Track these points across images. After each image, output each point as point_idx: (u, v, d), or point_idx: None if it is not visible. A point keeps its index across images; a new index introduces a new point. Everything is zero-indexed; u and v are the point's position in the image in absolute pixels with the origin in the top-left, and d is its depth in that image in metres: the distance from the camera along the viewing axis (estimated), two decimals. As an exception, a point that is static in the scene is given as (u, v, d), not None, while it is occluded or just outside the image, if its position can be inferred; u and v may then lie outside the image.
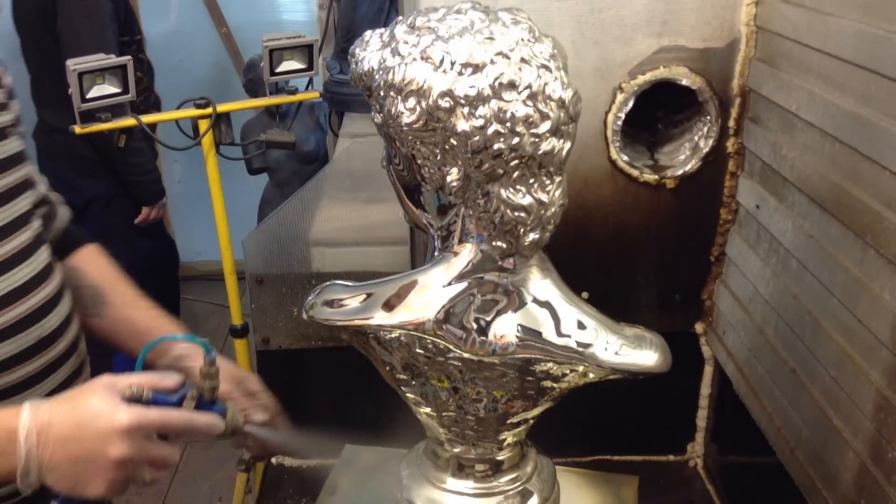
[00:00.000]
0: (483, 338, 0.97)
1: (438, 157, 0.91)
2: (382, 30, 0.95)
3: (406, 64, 0.88)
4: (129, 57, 1.93)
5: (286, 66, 2.08)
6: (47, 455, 0.83)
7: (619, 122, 1.43)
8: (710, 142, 1.45)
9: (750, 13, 1.37)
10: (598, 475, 1.37)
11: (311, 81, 2.27)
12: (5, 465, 0.83)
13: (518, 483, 1.13)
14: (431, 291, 0.99)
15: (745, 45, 1.39)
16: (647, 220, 1.50)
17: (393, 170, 1.00)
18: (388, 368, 1.06)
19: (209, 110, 2.05)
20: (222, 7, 4.05)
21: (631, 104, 1.41)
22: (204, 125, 2.06)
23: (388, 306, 0.99)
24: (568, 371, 1.00)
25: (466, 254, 0.98)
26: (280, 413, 1.18)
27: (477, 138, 0.87)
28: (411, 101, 0.87)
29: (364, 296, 1.02)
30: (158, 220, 3.02)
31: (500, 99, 0.86)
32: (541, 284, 1.00)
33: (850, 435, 1.08)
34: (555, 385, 1.02)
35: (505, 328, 0.97)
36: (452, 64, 0.86)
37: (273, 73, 2.07)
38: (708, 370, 1.62)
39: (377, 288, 1.02)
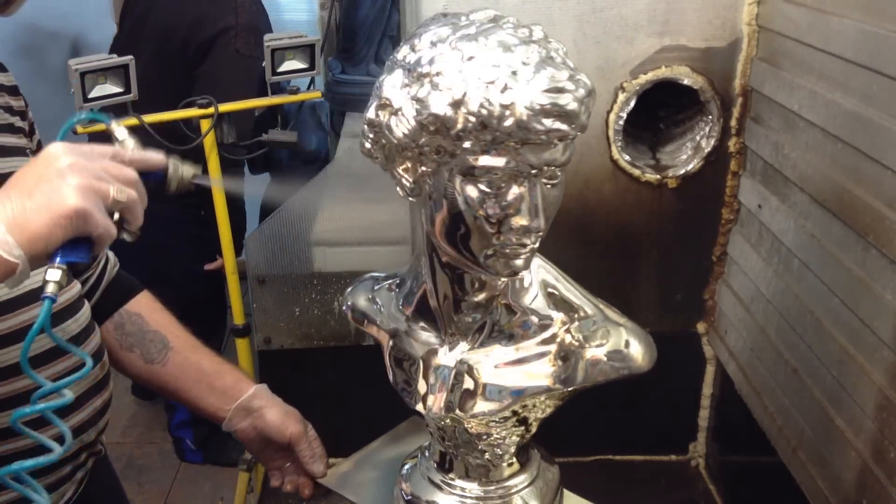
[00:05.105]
0: None
1: None
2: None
3: None
4: (131, 56, 1.93)
5: (288, 65, 2.08)
6: (9, 207, 0.77)
7: (621, 122, 1.42)
8: (712, 141, 1.45)
9: (752, 12, 1.37)
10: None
11: (312, 81, 2.27)
12: None
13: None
14: None
15: (746, 45, 1.39)
16: (649, 220, 1.50)
17: None
18: None
19: (211, 110, 2.05)
20: (224, 7, 4.04)
21: (633, 104, 1.41)
22: (206, 125, 2.07)
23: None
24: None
25: None
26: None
27: None
28: None
29: None
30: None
31: None
32: None
33: (852, 435, 1.08)
34: None
35: None
36: None
37: (275, 73, 2.07)
38: (710, 370, 1.62)
39: None
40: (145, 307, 1.26)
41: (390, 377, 1.10)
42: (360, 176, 1.74)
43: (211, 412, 1.23)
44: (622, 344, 1.01)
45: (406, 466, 1.21)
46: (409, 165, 0.91)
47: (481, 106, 0.81)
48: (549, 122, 0.80)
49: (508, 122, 0.81)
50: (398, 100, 0.86)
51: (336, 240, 1.65)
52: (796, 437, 1.23)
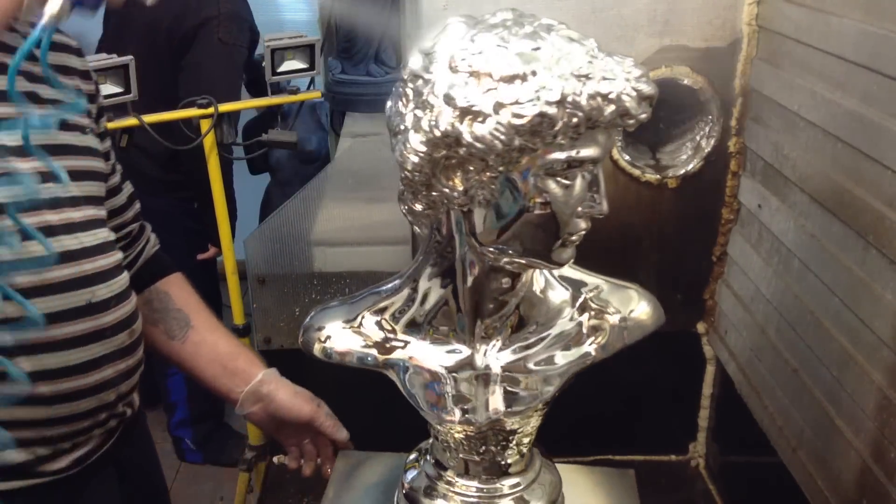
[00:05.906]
0: None
1: None
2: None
3: None
4: (131, 56, 1.93)
5: (288, 65, 2.08)
6: None
7: (621, 122, 1.43)
8: (712, 141, 1.45)
9: (751, 13, 1.37)
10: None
11: (312, 81, 2.27)
12: None
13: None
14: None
15: (746, 45, 1.39)
16: (649, 220, 1.50)
17: None
18: None
19: (211, 110, 2.05)
20: (224, 7, 4.04)
21: (632, 104, 1.41)
22: (206, 125, 2.07)
23: None
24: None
25: None
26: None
27: None
28: None
29: None
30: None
31: None
32: None
33: (852, 435, 1.08)
34: None
35: None
36: None
37: (275, 73, 2.07)
38: (710, 370, 1.62)
39: None
40: (174, 287, 1.30)
41: (416, 402, 1.07)
42: (360, 175, 1.75)
43: (224, 392, 1.27)
44: (635, 306, 1.08)
45: (408, 474, 1.20)
46: (460, 175, 0.88)
47: (583, 99, 0.82)
48: (643, 106, 0.85)
49: (608, 112, 0.83)
50: (483, 105, 0.83)
51: (336, 240, 1.65)
52: (796, 437, 1.23)
